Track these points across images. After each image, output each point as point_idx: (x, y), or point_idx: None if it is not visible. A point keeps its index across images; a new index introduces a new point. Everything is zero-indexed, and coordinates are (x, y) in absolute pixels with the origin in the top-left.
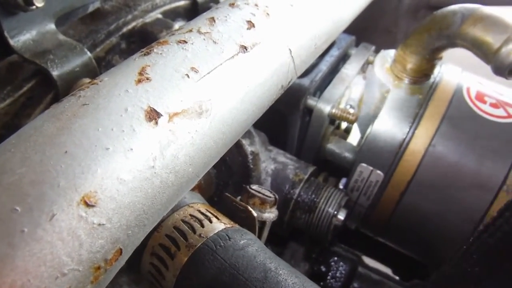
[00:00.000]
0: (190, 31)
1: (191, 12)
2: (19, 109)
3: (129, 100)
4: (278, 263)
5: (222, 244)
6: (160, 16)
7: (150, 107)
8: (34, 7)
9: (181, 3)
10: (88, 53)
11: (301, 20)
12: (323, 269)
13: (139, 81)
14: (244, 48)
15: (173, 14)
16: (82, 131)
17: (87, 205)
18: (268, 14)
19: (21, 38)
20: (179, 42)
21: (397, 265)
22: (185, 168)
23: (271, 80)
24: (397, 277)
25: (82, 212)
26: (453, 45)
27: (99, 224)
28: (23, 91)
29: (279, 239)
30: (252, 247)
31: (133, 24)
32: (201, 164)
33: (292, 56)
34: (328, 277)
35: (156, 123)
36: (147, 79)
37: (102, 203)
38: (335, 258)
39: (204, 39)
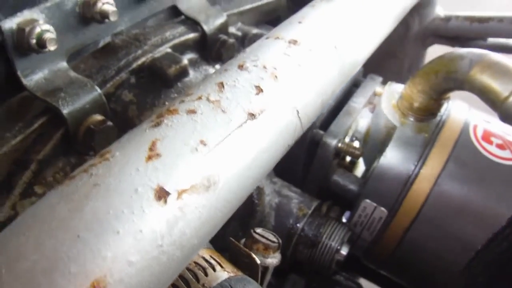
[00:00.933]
0: (200, 98)
1: (200, 44)
2: (29, 146)
3: (140, 180)
4: None
5: None
6: (169, 50)
7: (160, 186)
8: (47, 49)
9: (191, 36)
10: (98, 89)
11: (309, 80)
12: None
13: (149, 157)
14: (252, 116)
15: (183, 47)
16: (93, 214)
17: None
18: (276, 76)
19: (34, 78)
20: (189, 112)
21: None
22: (191, 242)
23: (278, 142)
24: None
25: None
26: (460, 88)
27: None
28: (34, 128)
29: (279, 270)
30: None
31: (143, 59)
32: (207, 234)
33: (299, 117)
34: None
35: (165, 201)
36: (157, 155)
37: (111, 287)
38: None
39: (213, 108)
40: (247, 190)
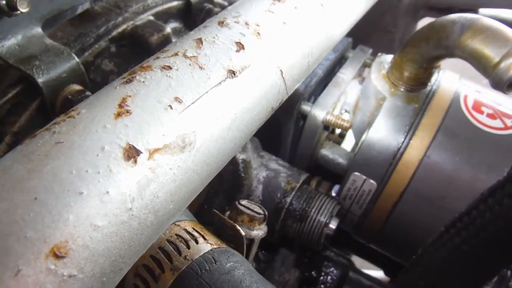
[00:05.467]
0: (176, 54)
1: (185, 13)
2: (4, 116)
3: (107, 137)
4: (264, 286)
5: (207, 267)
6: (151, 18)
7: (129, 144)
8: (18, 12)
9: (174, 3)
10: (76, 58)
11: (294, 39)
12: (314, 274)
13: (119, 114)
14: (232, 73)
15: (166, 16)
16: (54, 174)
17: (57, 256)
18: (258, 33)
19: (6, 43)
20: (163, 68)
21: (389, 266)
22: (166, 206)
23: (261, 104)
24: (389, 278)
25: (51, 265)
26: (451, 55)
27: (70, 276)
28: (8, 98)
29: (269, 244)
30: (239, 271)
31: (123, 26)
32: (183, 199)
33: (283, 77)
34: (319, 283)
35: (135, 161)
36: (127, 112)
37: (74, 253)
38: (326, 263)
39: (189, 64)
40: (227, 154)
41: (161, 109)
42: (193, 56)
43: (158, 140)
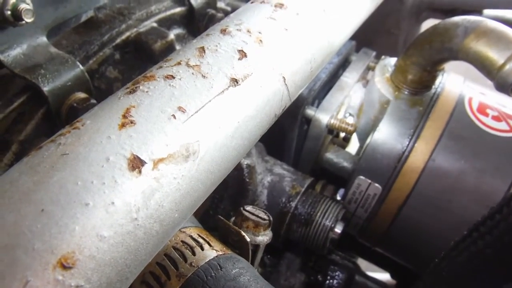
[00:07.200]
0: (179, 63)
1: (188, 19)
2: (10, 125)
3: (112, 148)
4: None
5: (213, 274)
6: (155, 24)
7: (134, 155)
8: (23, 22)
9: (177, 10)
10: (80, 66)
11: (296, 45)
12: (320, 278)
13: (123, 125)
14: (234, 81)
15: (169, 22)
16: (60, 186)
17: (64, 267)
18: (261, 41)
19: (11, 53)
20: (167, 77)
21: (395, 269)
22: (171, 215)
23: (264, 111)
24: (395, 281)
25: (59, 276)
26: (455, 58)
27: (77, 286)
28: (14, 107)
29: (274, 249)
30: (244, 277)
31: (127, 34)
32: (188, 208)
33: (286, 84)
34: (325, 287)
35: (140, 172)
36: (131, 122)
37: (81, 264)
38: (332, 267)
39: (192, 73)
40: (231, 162)
41: (164, 119)
42: (196, 65)
43: (162, 150)
